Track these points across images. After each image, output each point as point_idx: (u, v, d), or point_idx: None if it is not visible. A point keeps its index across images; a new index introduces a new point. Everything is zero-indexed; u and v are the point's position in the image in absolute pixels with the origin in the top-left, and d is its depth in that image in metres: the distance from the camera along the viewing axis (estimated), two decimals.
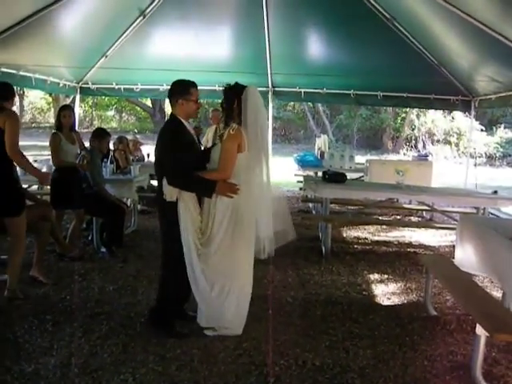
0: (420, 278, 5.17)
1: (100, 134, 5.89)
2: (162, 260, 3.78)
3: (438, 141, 22.10)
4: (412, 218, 8.55)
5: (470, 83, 8.30)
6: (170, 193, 3.51)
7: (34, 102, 29.72)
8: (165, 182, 3.51)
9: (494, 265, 3.72)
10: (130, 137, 8.56)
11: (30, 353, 3.32)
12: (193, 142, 3.68)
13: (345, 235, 7.17)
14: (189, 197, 3.55)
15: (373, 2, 7.06)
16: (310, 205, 8.81)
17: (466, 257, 4.24)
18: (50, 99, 24.71)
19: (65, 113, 5.41)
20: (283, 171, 11.42)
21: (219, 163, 3.53)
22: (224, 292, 3.57)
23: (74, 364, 3.18)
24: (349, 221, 7.14)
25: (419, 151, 19.86)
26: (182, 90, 3.61)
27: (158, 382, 3.03)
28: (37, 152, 14.05)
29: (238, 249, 3.59)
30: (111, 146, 6.84)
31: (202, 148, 4.10)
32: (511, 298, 3.56)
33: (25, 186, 6.16)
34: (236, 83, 3.63)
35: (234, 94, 3.56)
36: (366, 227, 7.55)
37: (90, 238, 6.04)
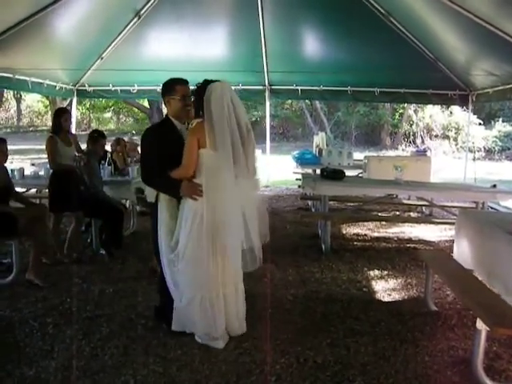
0: (420, 274, 5.16)
1: (94, 137, 5.89)
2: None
3: (437, 136, 22.10)
4: (411, 213, 8.53)
5: (468, 77, 8.31)
6: (151, 193, 3.47)
7: (31, 106, 29.77)
8: None
9: (493, 260, 3.70)
10: (126, 138, 8.54)
11: (31, 356, 3.32)
12: (177, 140, 3.46)
13: (344, 232, 7.16)
14: (165, 198, 3.45)
15: None
16: (309, 202, 8.80)
17: (465, 252, 4.23)
18: (47, 102, 24.75)
19: (65, 116, 5.44)
20: (282, 169, 11.43)
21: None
22: (194, 302, 3.40)
23: (75, 367, 3.18)
24: (348, 218, 7.13)
25: (417, 147, 19.86)
26: (167, 88, 3.57)
27: (159, 383, 3.03)
28: (34, 155, 13.87)
29: (204, 255, 3.33)
30: (108, 148, 6.84)
31: None
32: (510, 292, 3.54)
33: (22, 189, 6.19)
34: (205, 80, 3.40)
35: (202, 91, 3.33)
36: (366, 224, 7.54)
37: (89, 240, 6.03)
